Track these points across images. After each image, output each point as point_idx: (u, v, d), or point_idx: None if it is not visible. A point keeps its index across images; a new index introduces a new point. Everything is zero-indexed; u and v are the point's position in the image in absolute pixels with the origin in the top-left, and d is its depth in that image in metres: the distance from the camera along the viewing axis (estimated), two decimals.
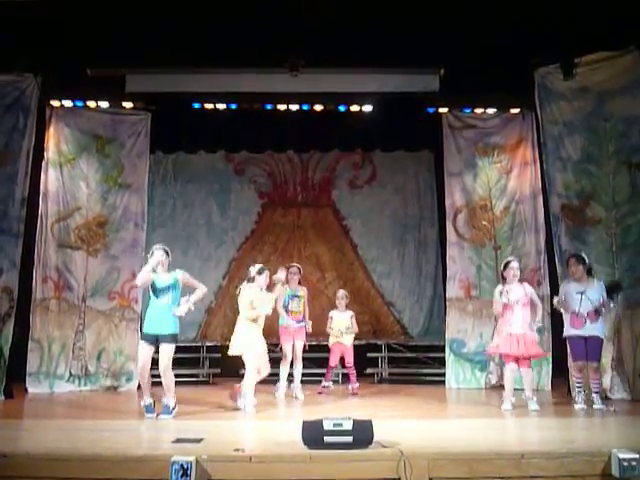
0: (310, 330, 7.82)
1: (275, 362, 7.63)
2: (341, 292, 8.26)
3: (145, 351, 6.13)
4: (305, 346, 7.81)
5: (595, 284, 6.65)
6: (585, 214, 7.47)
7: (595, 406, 6.42)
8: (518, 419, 6.15)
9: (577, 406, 6.53)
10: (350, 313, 8.08)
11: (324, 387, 7.94)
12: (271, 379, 7.47)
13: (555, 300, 6.76)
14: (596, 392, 6.51)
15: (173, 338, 6.19)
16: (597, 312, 6.53)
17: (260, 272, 6.82)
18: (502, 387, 7.83)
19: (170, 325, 6.17)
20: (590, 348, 6.51)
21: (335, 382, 8.43)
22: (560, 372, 7.73)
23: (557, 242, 7.58)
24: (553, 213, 7.67)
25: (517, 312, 6.57)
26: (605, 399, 6.66)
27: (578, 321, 6.57)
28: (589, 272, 6.70)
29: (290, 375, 7.72)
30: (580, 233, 7.48)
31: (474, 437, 4.89)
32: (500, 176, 8.74)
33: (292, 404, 7.31)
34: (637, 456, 3.97)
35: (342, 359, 8.03)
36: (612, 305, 6.71)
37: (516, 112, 8.69)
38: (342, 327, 7.91)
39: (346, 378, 8.20)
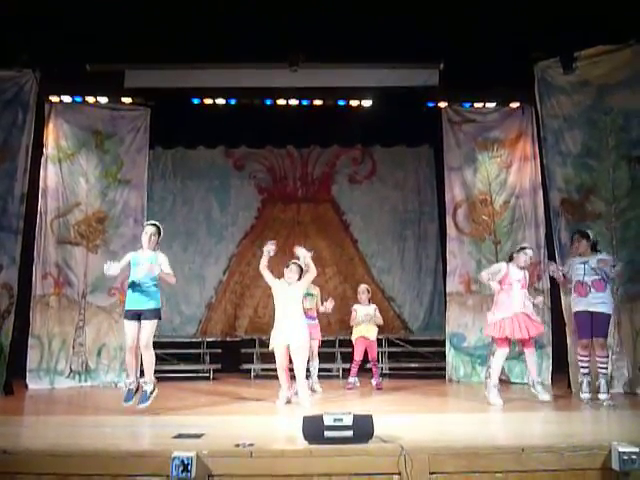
0: (329, 309, 7.75)
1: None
2: (362, 286, 8.18)
3: (130, 329, 5.99)
4: (319, 342, 7.82)
5: (598, 255, 6.57)
6: (585, 208, 7.45)
7: (600, 396, 6.33)
8: (518, 413, 6.15)
9: (583, 395, 6.47)
10: (373, 306, 8.02)
11: (350, 384, 7.86)
12: None
13: (551, 267, 6.78)
14: (603, 374, 6.38)
15: (155, 313, 6.04)
16: (602, 281, 6.46)
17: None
18: (502, 381, 7.87)
19: (151, 300, 6.02)
20: (596, 324, 6.40)
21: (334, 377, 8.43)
22: (560, 366, 7.74)
23: (557, 236, 7.57)
24: (553, 207, 7.66)
25: (516, 290, 6.56)
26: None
27: (583, 289, 6.53)
28: (594, 247, 6.67)
29: (307, 370, 7.65)
30: (580, 227, 7.45)
31: (474, 431, 4.89)
32: (500, 170, 8.73)
33: (294, 399, 7.31)
34: (637, 450, 3.96)
35: (365, 353, 7.91)
36: (617, 268, 6.56)
37: (516, 106, 8.68)
38: (363, 316, 7.85)
39: (369, 372, 8.05)
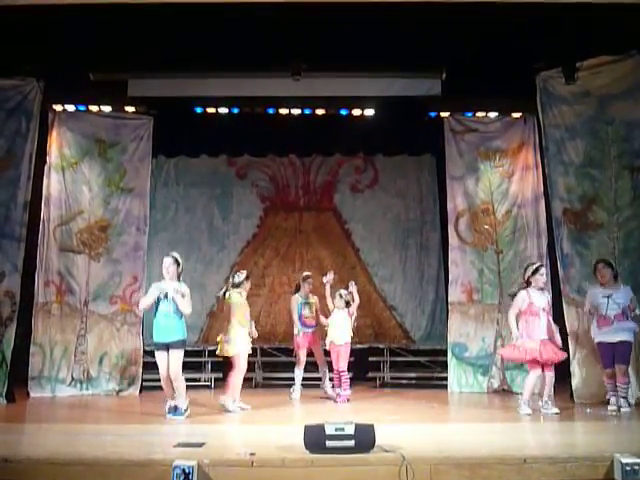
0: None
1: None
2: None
3: (161, 359, 6.37)
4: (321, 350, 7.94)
5: (622, 288, 6.71)
6: (587, 218, 7.46)
7: (622, 409, 6.44)
8: (520, 423, 6.14)
9: (609, 407, 6.57)
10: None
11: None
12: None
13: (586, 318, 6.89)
14: (623, 397, 6.51)
15: (182, 343, 6.44)
16: (624, 314, 6.56)
17: (247, 278, 7.23)
18: (504, 391, 7.88)
19: (178, 331, 6.40)
20: (618, 352, 6.54)
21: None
22: (562, 377, 7.71)
23: (559, 246, 7.57)
24: (555, 217, 7.66)
25: (542, 319, 6.57)
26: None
27: (605, 322, 6.62)
28: (615, 277, 6.75)
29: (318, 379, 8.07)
30: (582, 237, 7.48)
31: (476, 442, 4.87)
32: (502, 180, 8.73)
33: (294, 408, 7.30)
34: None
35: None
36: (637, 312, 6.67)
37: (518, 116, 8.69)
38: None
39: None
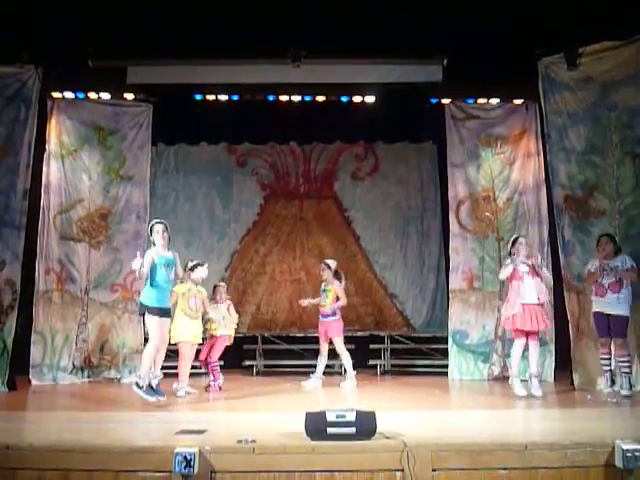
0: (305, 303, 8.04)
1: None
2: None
3: (165, 325, 6.31)
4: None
5: (619, 257, 6.69)
6: (589, 205, 7.43)
7: (623, 392, 6.43)
8: (521, 410, 6.15)
9: (607, 390, 6.60)
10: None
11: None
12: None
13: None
14: (625, 373, 6.49)
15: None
16: (619, 282, 6.55)
17: (195, 267, 7.23)
18: (505, 378, 7.88)
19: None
20: (613, 325, 6.55)
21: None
22: (563, 363, 7.73)
23: (560, 233, 7.56)
24: (556, 204, 7.64)
25: (527, 282, 6.73)
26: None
27: (600, 291, 6.65)
28: (617, 253, 6.74)
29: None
30: (584, 224, 7.45)
31: (477, 428, 4.88)
32: (503, 167, 8.70)
33: (295, 395, 7.31)
34: None
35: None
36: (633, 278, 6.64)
37: (519, 103, 8.64)
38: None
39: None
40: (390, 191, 10.45)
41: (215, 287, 7.78)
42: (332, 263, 7.97)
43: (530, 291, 6.74)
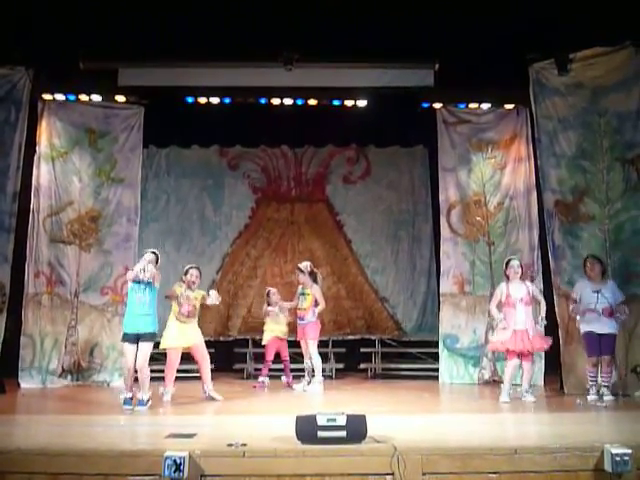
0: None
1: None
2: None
3: (131, 350, 6.37)
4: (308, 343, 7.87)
5: (609, 284, 6.80)
6: (579, 210, 7.47)
7: (605, 397, 6.55)
8: (511, 414, 6.17)
9: (589, 397, 6.65)
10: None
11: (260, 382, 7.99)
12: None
13: (571, 308, 6.94)
14: (605, 385, 6.65)
15: (152, 336, 6.50)
16: (611, 310, 6.66)
17: (186, 273, 7.12)
18: (495, 382, 7.92)
19: (151, 324, 6.45)
20: (604, 344, 6.65)
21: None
22: (552, 368, 7.76)
23: (551, 238, 7.59)
24: (547, 209, 7.67)
25: (520, 310, 6.68)
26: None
27: (593, 315, 6.69)
28: (603, 273, 6.84)
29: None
30: (573, 229, 7.49)
31: (467, 432, 4.89)
32: (494, 172, 8.74)
33: (285, 399, 7.30)
34: (629, 451, 3.98)
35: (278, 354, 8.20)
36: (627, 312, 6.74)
37: (510, 108, 8.69)
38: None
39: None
40: (381, 195, 10.46)
41: (268, 293, 8.32)
42: (306, 266, 7.99)
43: (520, 318, 6.66)
